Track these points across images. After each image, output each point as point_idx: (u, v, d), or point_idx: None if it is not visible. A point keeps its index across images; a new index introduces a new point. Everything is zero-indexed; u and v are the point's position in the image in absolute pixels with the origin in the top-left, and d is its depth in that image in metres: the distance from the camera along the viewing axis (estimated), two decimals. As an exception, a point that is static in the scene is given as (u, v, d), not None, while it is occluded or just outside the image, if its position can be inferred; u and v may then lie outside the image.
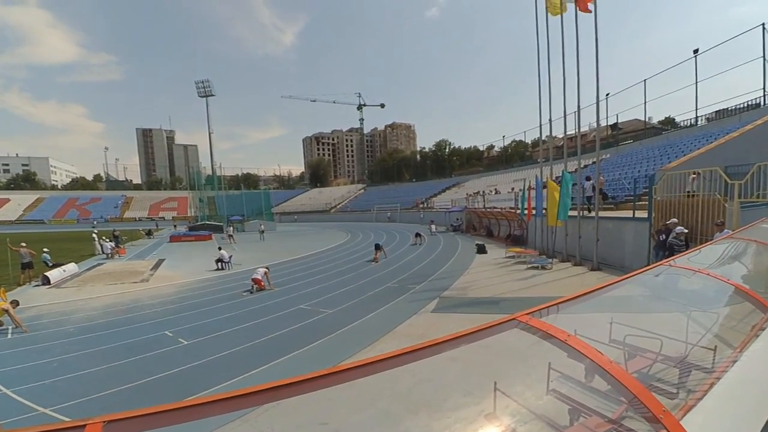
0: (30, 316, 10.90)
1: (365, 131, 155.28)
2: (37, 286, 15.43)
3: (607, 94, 34.69)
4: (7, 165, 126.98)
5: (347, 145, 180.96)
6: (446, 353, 1.55)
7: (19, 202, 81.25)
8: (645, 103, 31.93)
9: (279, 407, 1.30)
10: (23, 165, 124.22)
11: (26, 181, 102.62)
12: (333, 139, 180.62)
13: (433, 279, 14.48)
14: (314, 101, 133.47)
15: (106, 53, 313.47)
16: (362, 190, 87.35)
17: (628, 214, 14.64)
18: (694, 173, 11.79)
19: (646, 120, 35.89)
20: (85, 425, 1.00)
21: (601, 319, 2.50)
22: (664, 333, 2.44)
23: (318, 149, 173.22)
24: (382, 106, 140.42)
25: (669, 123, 41.44)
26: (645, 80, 31.27)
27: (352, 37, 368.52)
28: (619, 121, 37.94)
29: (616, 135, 38.25)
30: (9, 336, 9.27)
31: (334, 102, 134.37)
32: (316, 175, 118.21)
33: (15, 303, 10.71)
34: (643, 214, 13.51)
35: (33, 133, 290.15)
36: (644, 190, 15.97)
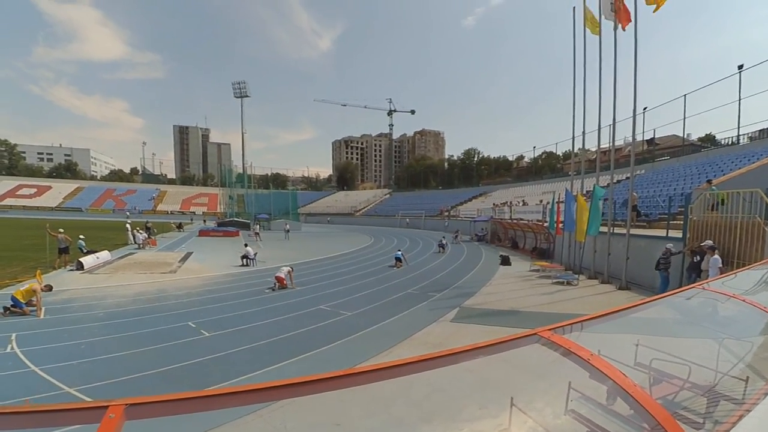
0: (62, 299, 11.40)
1: (394, 137, 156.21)
2: (71, 270, 16.14)
3: (645, 109, 33.52)
4: (51, 154, 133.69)
5: (375, 150, 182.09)
6: (463, 364, 1.53)
7: (60, 190, 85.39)
8: (684, 118, 30.76)
9: (293, 404, 1.32)
10: (66, 155, 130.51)
11: (68, 170, 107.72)
12: (362, 144, 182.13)
13: (454, 288, 14.33)
14: (345, 105, 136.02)
15: (151, 52, 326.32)
16: (388, 195, 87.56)
17: (662, 233, 14.10)
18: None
19: (685, 136, 34.55)
20: (107, 406, 1.04)
21: (627, 340, 2.42)
22: (693, 359, 2.33)
23: (347, 153, 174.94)
24: (413, 112, 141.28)
25: (709, 140, 39.76)
26: (685, 95, 30.16)
27: (387, 44, 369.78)
28: (656, 137, 36.67)
29: (653, 150, 36.96)
30: (42, 316, 9.72)
31: (365, 107, 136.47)
32: (343, 178, 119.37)
33: (48, 287, 11.25)
34: (678, 233, 12.98)
35: (76, 125, 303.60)
36: (680, 209, 15.36)
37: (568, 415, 2.05)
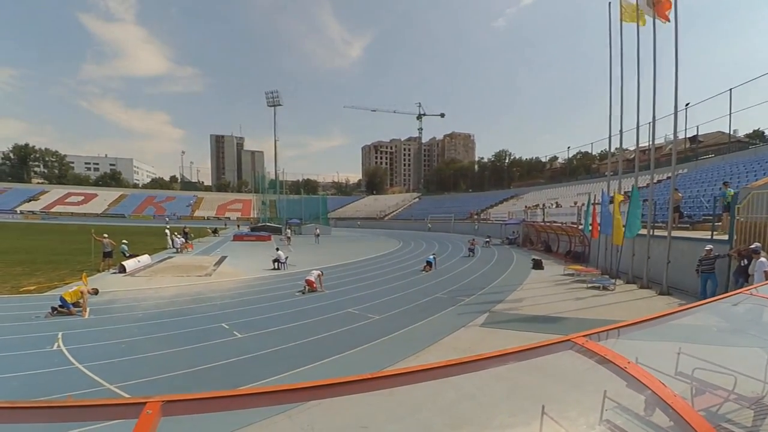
0: (105, 301, 11.99)
1: (424, 141, 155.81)
2: (114, 273, 16.93)
3: (687, 104, 31.90)
4: (97, 164, 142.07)
5: (405, 154, 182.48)
6: (493, 370, 1.50)
7: (105, 197, 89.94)
8: (730, 114, 29.05)
9: (320, 406, 1.33)
10: (111, 165, 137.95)
11: (112, 179, 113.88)
12: (391, 148, 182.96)
13: (484, 292, 14.09)
14: (375, 111, 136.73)
15: (191, 67, 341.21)
16: (417, 199, 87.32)
17: (706, 235, 13.36)
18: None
19: (731, 132, 32.65)
20: (145, 402, 1.09)
21: (668, 348, 2.30)
22: (739, 369, 2.18)
23: (376, 157, 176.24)
24: (442, 115, 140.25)
25: (757, 136, 37.42)
26: (731, 89, 28.48)
27: (416, 49, 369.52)
28: (700, 134, 34.86)
29: (695, 148, 35.14)
30: (86, 316, 10.24)
31: (395, 112, 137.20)
32: (373, 183, 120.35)
33: (95, 291, 11.87)
34: (723, 236, 12.28)
35: (122, 137, 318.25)
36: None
37: (603, 425, 1.97)
